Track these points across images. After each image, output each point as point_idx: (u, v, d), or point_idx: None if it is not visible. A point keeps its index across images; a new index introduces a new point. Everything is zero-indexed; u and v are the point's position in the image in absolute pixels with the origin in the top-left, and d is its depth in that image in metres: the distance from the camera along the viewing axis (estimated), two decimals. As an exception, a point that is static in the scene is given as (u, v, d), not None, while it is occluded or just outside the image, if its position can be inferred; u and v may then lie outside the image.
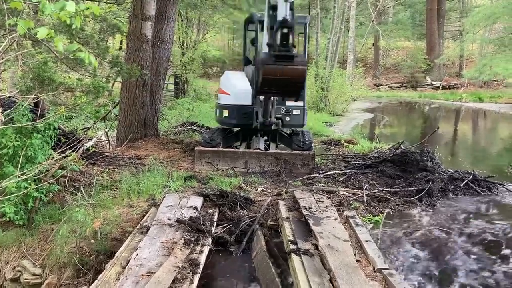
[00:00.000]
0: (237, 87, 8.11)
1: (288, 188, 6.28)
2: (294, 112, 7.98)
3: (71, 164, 5.45)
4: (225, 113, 8.09)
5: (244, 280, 4.16)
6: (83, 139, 7.61)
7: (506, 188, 6.85)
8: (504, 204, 6.28)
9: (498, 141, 14.33)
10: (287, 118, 7.77)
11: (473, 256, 4.53)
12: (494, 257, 4.53)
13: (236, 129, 8.80)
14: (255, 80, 6.22)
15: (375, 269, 3.90)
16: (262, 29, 9.50)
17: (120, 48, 18.70)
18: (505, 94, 28.30)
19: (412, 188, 6.33)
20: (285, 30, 5.67)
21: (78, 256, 4.39)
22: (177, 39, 18.58)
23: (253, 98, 7.81)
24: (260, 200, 5.75)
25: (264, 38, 6.20)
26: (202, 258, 4.03)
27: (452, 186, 6.65)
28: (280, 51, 5.70)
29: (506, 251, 4.64)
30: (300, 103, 8.13)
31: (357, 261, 3.99)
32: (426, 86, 33.01)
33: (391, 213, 5.61)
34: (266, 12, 6.24)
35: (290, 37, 5.79)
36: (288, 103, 7.89)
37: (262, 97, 7.45)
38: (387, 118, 20.70)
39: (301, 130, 8.29)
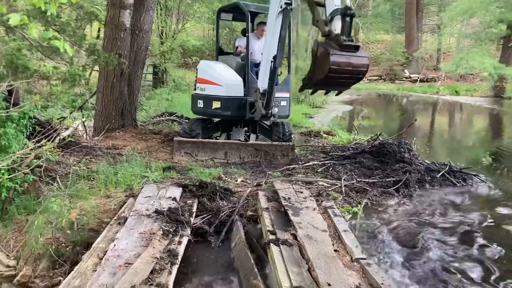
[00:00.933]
0: (229, 78, 7.95)
1: (267, 179, 6.29)
2: (282, 103, 7.95)
3: (46, 154, 5.34)
4: (216, 104, 7.91)
5: (223, 271, 4.16)
6: (59, 128, 7.44)
7: (480, 179, 7.01)
8: (479, 194, 6.43)
9: (473, 133, 14.61)
10: (276, 109, 7.78)
11: (448, 246, 4.62)
12: (468, 246, 4.63)
13: (216, 119, 8.74)
14: (310, 73, 5.96)
15: (353, 259, 3.94)
16: (252, 20, 9.46)
17: (98, 37, 18.35)
18: (481, 87, 28.86)
19: (390, 179, 6.41)
20: (348, 19, 5.47)
21: (54, 247, 4.31)
22: (156, 28, 18.31)
23: (246, 90, 7.77)
24: (240, 191, 5.74)
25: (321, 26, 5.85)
26: (181, 249, 4.00)
27: (429, 177, 6.77)
28: (345, 41, 5.47)
29: (480, 241, 4.75)
30: (287, 94, 8.12)
31: (335, 251, 4.03)
32: (404, 79, 33.40)
33: (369, 203, 5.68)
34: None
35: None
36: (277, 94, 7.82)
37: (262, 89, 7.32)
38: (365, 110, 20.89)
39: (281, 122, 8.29)
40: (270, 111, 7.41)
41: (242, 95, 7.82)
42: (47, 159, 5.42)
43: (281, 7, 6.74)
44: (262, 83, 7.36)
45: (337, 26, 5.58)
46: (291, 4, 6.83)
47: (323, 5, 5.79)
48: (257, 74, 8.08)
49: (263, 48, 7.35)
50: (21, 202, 5.10)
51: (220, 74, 8.03)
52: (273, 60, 6.98)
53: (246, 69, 7.92)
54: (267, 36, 7.21)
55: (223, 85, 7.87)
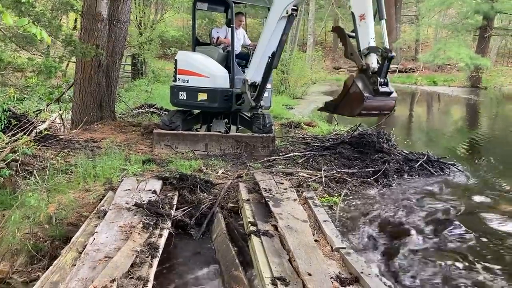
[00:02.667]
0: (215, 69, 7.85)
1: (248, 170, 6.30)
2: (265, 94, 7.94)
3: (23, 148, 5.24)
4: (202, 96, 7.81)
5: (204, 262, 4.17)
6: (35, 121, 7.30)
7: (457, 169, 7.14)
8: (456, 183, 6.55)
9: (451, 123, 14.87)
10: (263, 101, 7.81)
11: (427, 234, 4.71)
12: (446, 234, 4.72)
13: (196, 111, 8.68)
14: (337, 101, 6.08)
15: (333, 248, 3.98)
16: (225, 11, 9.40)
17: (75, 28, 18.01)
18: (458, 78, 29.35)
19: (369, 169, 6.49)
20: (387, 61, 5.60)
21: (31, 242, 4.24)
22: (134, 18, 18.04)
23: (231, 81, 7.76)
24: (221, 183, 5.73)
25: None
26: (162, 242, 3.99)
27: (407, 167, 6.87)
28: (382, 86, 5.65)
29: (457, 228, 4.85)
30: (269, 85, 8.11)
31: (316, 241, 4.07)
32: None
33: (349, 193, 5.74)
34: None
35: None
36: None
37: (251, 81, 7.41)
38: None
39: (261, 113, 8.28)
40: (259, 103, 7.57)
41: (228, 86, 7.79)
42: (23, 153, 5.32)
43: (286, 13, 6.72)
44: (252, 75, 7.37)
45: (373, 61, 5.71)
46: (297, 10, 6.86)
47: (354, 37, 5.86)
48: (239, 65, 8.08)
49: (258, 42, 7.32)
50: (-3, 197, 5.00)
51: (205, 65, 7.92)
52: (270, 57, 7.11)
53: (232, 60, 7.87)
54: (264, 33, 7.12)
55: (209, 76, 7.78)
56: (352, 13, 5.88)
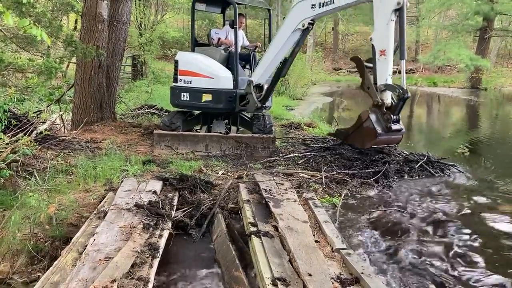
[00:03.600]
0: (219, 70, 7.87)
1: (248, 171, 6.30)
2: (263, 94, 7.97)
3: (23, 148, 5.24)
4: (207, 97, 7.83)
5: (204, 263, 4.16)
6: (36, 122, 7.30)
7: (457, 169, 7.14)
8: (456, 184, 6.55)
9: (451, 124, 14.87)
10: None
11: (427, 234, 4.71)
12: (446, 234, 4.72)
13: (196, 112, 8.68)
14: (349, 132, 6.50)
15: (333, 249, 3.98)
16: (222, 11, 9.44)
17: (75, 29, 18.00)
18: (458, 79, 29.37)
19: (369, 170, 6.48)
20: (402, 102, 5.89)
21: (32, 242, 4.24)
22: (134, 19, 18.06)
23: (235, 82, 7.84)
24: (221, 184, 5.73)
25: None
26: (162, 242, 3.99)
27: (407, 168, 6.86)
28: (394, 123, 5.97)
29: (458, 229, 4.85)
30: (266, 86, 8.12)
31: (316, 241, 4.06)
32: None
33: (349, 194, 5.74)
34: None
35: None
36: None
37: (256, 82, 7.48)
38: (345, 102, 21.03)
39: (262, 114, 8.29)
40: (265, 105, 7.77)
41: (232, 87, 7.81)
42: (23, 153, 5.33)
43: (303, 26, 6.73)
44: (259, 78, 7.41)
45: (388, 97, 5.95)
46: (314, 24, 6.90)
47: (371, 68, 6.01)
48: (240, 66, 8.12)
49: (269, 46, 7.38)
50: (-3, 197, 5.00)
51: (209, 66, 7.93)
52: (282, 63, 7.32)
53: (235, 61, 7.90)
54: (276, 39, 7.14)
55: (214, 77, 7.80)
56: (373, 46, 5.98)
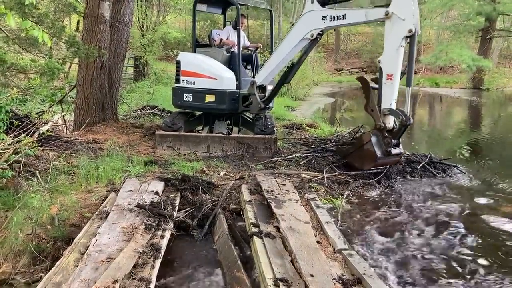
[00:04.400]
0: (222, 71, 7.88)
1: (250, 171, 6.30)
2: (267, 95, 7.98)
3: (25, 149, 5.24)
4: (210, 98, 7.83)
5: (206, 264, 4.16)
6: (38, 123, 7.32)
7: (459, 170, 7.13)
8: (458, 185, 6.54)
9: (453, 124, 14.84)
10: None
11: (429, 236, 4.70)
12: (449, 236, 4.72)
13: (198, 113, 8.69)
14: (349, 150, 6.62)
15: (335, 250, 3.98)
16: (223, 12, 9.46)
17: (77, 29, 18.05)
18: (460, 79, 29.33)
19: (371, 171, 6.47)
20: (404, 128, 6.01)
21: (34, 243, 4.24)
22: (136, 20, 18.09)
23: (237, 83, 7.88)
24: (223, 184, 5.74)
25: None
26: (164, 243, 3.99)
27: (410, 169, 6.86)
28: (394, 148, 6.11)
29: (460, 230, 4.85)
30: (270, 87, 8.13)
31: (318, 242, 4.06)
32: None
33: (351, 195, 5.74)
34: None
35: None
36: None
37: (259, 83, 7.50)
38: (347, 102, 21.02)
39: (263, 115, 8.30)
40: (268, 106, 7.83)
41: (235, 88, 7.82)
42: (26, 154, 5.33)
43: (311, 36, 6.73)
44: (263, 80, 7.43)
45: (390, 121, 6.07)
46: (322, 35, 6.92)
47: (377, 88, 6.07)
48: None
49: (275, 50, 7.39)
50: (-1, 198, 5.01)
51: (212, 67, 7.93)
52: (289, 67, 7.41)
53: (238, 62, 7.90)
54: (283, 45, 7.12)
55: (217, 78, 7.80)
56: (380, 68, 6.02)
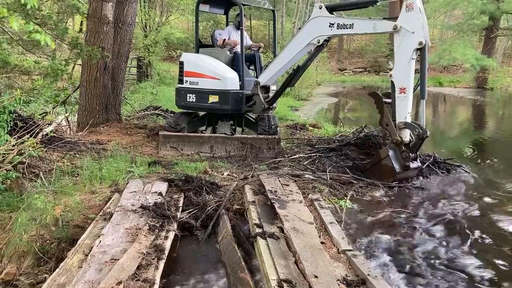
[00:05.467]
0: (226, 71, 7.88)
1: (254, 172, 6.29)
2: (270, 95, 7.98)
3: (29, 150, 5.25)
4: (214, 98, 7.82)
5: (210, 264, 4.16)
6: (41, 124, 7.33)
7: (464, 170, 7.11)
8: (462, 185, 6.51)
9: (457, 124, 14.80)
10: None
11: (434, 236, 4.68)
12: (454, 236, 4.70)
13: (201, 113, 8.69)
14: (367, 166, 6.51)
15: (339, 250, 3.97)
16: (226, 12, 9.47)
17: (80, 30, 18.09)
18: (464, 78, 29.24)
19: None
20: (421, 141, 5.99)
21: (38, 244, 4.25)
22: (139, 21, 18.11)
23: (241, 83, 7.88)
24: (226, 185, 5.73)
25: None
26: (167, 244, 3.99)
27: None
28: (412, 162, 6.09)
29: (465, 230, 4.82)
30: (274, 87, 8.14)
31: (322, 243, 4.05)
32: (388, 70, 33.27)
33: (355, 195, 5.72)
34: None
35: None
36: None
37: (262, 83, 7.50)
38: (351, 102, 20.98)
39: (266, 115, 8.29)
40: (272, 106, 7.83)
41: (238, 88, 7.82)
42: (29, 155, 5.34)
43: (318, 42, 6.71)
44: (267, 81, 7.43)
45: (406, 135, 6.00)
46: (329, 41, 6.90)
47: (389, 103, 6.07)
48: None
49: (280, 52, 7.38)
50: (3, 199, 5.01)
51: (215, 67, 7.93)
52: (294, 70, 7.40)
53: (241, 62, 7.90)
54: (288, 49, 7.08)
55: (221, 78, 7.80)
56: (392, 82, 5.97)
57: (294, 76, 7.41)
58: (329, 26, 6.52)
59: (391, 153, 6.02)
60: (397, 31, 5.87)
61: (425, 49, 5.76)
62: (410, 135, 6.04)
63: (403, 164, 5.99)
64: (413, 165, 6.11)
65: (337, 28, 6.46)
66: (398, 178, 6.12)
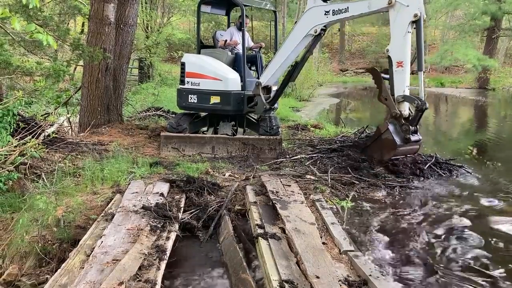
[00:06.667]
0: (228, 72, 7.89)
1: (255, 172, 6.29)
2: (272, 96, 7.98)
3: (31, 151, 5.26)
4: (215, 99, 7.84)
5: (212, 265, 4.16)
6: (43, 125, 7.34)
7: (466, 170, 7.09)
8: (464, 185, 6.50)
9: (459, 125, 14.78)
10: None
11: (436, 236, 4.68)
12: (455, 236, 4.69)
13: (203, 114, 8.69)
14: (367, 142, 6.56)
15: (341, 251, 3.96)
16: (227, 13, 9.48)
17: (82, 32, 18.10)
18: (465, 79, 29.18)
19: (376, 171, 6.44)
20: (421, 113, 5.98)
21: (40, 245, 4.26)
22: (141, 22, 18.13)
23: (242, 84, 7.89)
24: (228, 185, 5.73)
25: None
26: (169, 244, 3.99)
27: (416, 169, 6.81)
28: (413, 134, 6.06)
29: (467, 231, 4.81)
30: (275, 87, 8.14)
31: (323, 243, 4.05)
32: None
33: (357, 196, 5.71)
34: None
35: None
36: None
37: (264, 84, 7.50)
38: (352, 103, 20.97)
39: (268, 115, 8.29)
40: (273, 106, 7.86)
41: (240, 89, 7.83)
42: (31, 156, 5.35)
43: (315, 32, 6.71)
44: (268, 80, 7.42)
45: (406, 108, 6.03)
46: (326, 30, 6.90)
47: (388, 79, 6.06)
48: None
49: (278, 50, 7.38)
50: (5, 200, 5.02)
51: (217, 68, 7.93)
52: (292, 66, 7.37)
53: (243, 63, 7.91)
54: (286, 44, 7.10)
55: (222, 79, 7.81)
56: (389, 57, 5.99)
57: (293, 71, 7.40)
58: (325, 14, 6.56)
59: (391, 127, 6.03)
60: (391, 5, 5.91)
61: (420, 21, 5.81)
62: (409, 108, 6.06)
63: (404, 137, 5.99)
64: (414, 137, 6.08)
65: (333, 15, 6.49)
66: (398, 152, 6.13)
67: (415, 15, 5.74)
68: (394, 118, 6.02)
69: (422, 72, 5.91)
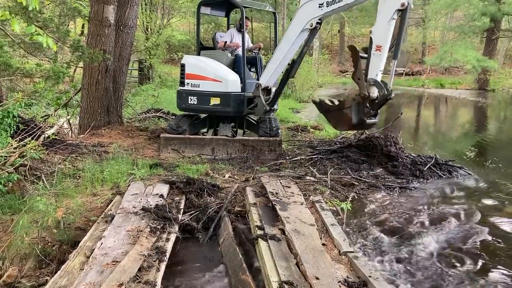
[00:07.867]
0: (228, 74, 7.88)
1: (255, 174, 6.30)
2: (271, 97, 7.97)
3: (31, 152, 5.27)
4: (215, 101, 7.83)
5: (211, 266, 4.16)
6: (43, 126, 7.35)
7: (465, 171, 7.10)
8: (464, 186, 6.51)
9: (458, 126, 14.78)
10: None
11: (435, 238, 4.68)
12: (455, 237, 4.69)
13: (203, 115, 8.69)
14: (331, 109, 6.40)
15: (341, 252, 3.96)
16: (227, 14, 9.48)
17: (82, 33, 18.12)
18: (465, 80, 29.18)
19: (376, 172, 6.45)
20: (385, 101, 5.97)
21: (40, 246, 4.26)
22: (140, 23, 18.14)
23: (242, 85, 7.86)
24: (228, 187, 5.74)
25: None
26: (169, 246, 3.99)
27: (415, 170, 6.82)
28: (370, 118, 6.04)
29: (466, 232, 4.81)
30: (274, 88, 8.14)
31: (323, 244, 4.05)
32: (389, 71, 33.51)
33: (356, 197, 5.72)
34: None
35: None
36: None
37: (264, 85, 7.48)
38: (352, 104, 20.89)
39: (268, 117, 8.29)
40: (273, 108, 7.75)
41: (240, 90, 7.83)
42: (31, 157, 5.35)
43: (311, 26, 6.71)
44: (267, 81, 7.42)
45: (374, 91, 6.00)
46: (322, 24, 6.89)
47: (365, 57, 6.06)
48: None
49: (276, 49, 7.33)
50: (5, 201, 5.03)
51: (217, 69, 7.92)
52: (290, 64, 7.26)
53: (243, 65, 7.91)
54: (283, 41, 7.06)
55: (222, 81, 7.80)
56: (371, 39, 6.02)
57: (291, 68, 7.36)
58: (319, 6, 6.57)
59: (354, 105, 6.07)
60: None
61: (406, 11, 5.84)
62: (378, 92, 6.09)
63: (360, 118, 6.03)
64: (370, 121, 6.10)
65: (327, 6, 6.49)
66: (351, 127, 6.32)
67: (402, 4, 5.78)
68: (361, 98, 6.06)
69: (395, 60, 5.95)
